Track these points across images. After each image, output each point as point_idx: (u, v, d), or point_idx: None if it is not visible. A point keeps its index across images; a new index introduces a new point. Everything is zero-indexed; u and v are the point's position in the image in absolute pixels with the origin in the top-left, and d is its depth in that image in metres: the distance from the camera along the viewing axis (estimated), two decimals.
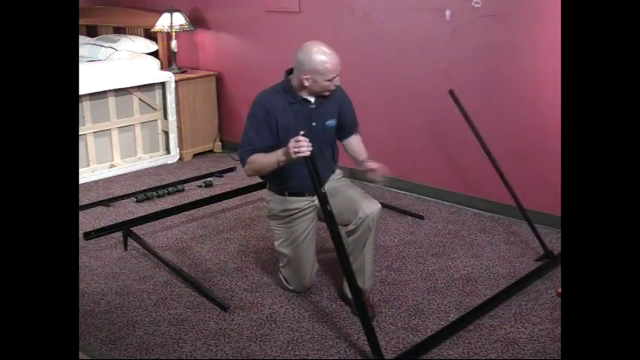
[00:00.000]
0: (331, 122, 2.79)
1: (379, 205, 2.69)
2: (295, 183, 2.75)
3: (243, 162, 2.73)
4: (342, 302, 2.87)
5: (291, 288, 2.94)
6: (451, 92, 3.26)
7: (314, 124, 2.73)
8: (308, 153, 2.42)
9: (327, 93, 2.70)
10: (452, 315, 2.75)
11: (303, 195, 2.78)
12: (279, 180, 2.77)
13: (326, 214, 2.45)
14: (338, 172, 2.92)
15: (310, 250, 2.86)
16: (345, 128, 2.90)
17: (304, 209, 2.79)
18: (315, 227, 2.86)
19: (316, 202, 2.72)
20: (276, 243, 2.88)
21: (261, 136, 2.67)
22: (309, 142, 2.46)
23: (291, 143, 2.43)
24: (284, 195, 2.79)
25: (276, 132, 2.68)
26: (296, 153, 2.42)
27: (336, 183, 2.85)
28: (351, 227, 2.68)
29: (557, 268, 3.11)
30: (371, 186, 4.14)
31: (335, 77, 2.65)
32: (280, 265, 2.95)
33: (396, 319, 2.74)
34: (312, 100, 2.72)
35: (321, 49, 2.63)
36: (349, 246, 2.69)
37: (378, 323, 2.69)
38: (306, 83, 2.64)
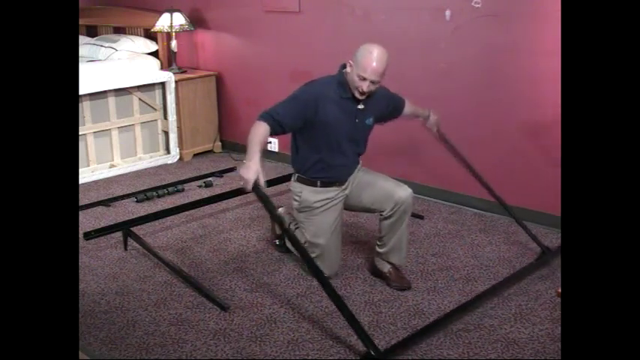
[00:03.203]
0: (370, 120, 2.94)
1: (410, 190, 2.93)
2: (330, 173, 2.92)
3: (258, 120, 2.73)
4: None
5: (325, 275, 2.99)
6: (442, 136, 3.38)
7: (357, 120, 2.88)
8: (249, 190, 2.56)
9: (357, 94, 2.78)
10: (452, 315, 2.74)
11: (333, 185, 2.95)
12: (315, 170, 2.92)
13: (288, 236, 2.67)
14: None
15: (339, 237, 3.07)
16: (397, 109, 3.16)
17: (335, 199, 2.97)
18: (342, 215, 3.06)
19: (346, 191, 2.99)
20: (308, 235, 2.99)
21: (291, 117, 2.77)
22: (350, 137, 2.84)
23: (241, 180, 2.57)
24: (316, 186, 2.93)
25: (313, 121, 2.78)
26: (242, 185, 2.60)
27: (363, 175, 3.03)
28: (387, 213, 2.91)
29: (557, 267, 3.11)
30: None
31: (366, 80, 2.71)
32: (312, 255, 2.96)
33: (396, 319, 2.74)
34: (360, 99, 2.82)
35: (375, 48, 2.72)
36: (383, 229, 2.96)
37: (378, 323, 2.69)
38: (348, 69, 2.78)
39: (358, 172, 3.03)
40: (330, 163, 2.89)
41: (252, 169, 2.52)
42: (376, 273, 3.09)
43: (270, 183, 4.18)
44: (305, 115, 2.77)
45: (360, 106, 2.85)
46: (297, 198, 3.01)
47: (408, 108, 3.23)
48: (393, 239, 2.95)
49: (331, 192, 2.95)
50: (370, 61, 2.68)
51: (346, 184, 2.99)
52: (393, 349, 2.46)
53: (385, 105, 3.04)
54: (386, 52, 2.72)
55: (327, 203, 2.95)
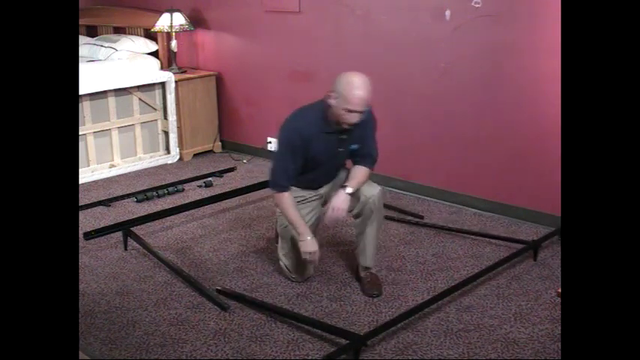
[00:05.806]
0: (354, 146, 2.92)
1: (379, 188, 2.91)
2: (310, 183, 2.98)
3: (278, 186, 2.85)
4: (342, 302, 2.88)
5: (293, 276, 3.04)
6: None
7: (340, 149, 2.88)
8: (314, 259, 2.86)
9: (346, 126, 2.73)
10: (452, 315, 2.75)
11: (310, 189, 3.00)
12: (296, 180, 2.96)
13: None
14: None
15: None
16: (357, 155, 2.95)
17: (308, 198, 3.00)
18: (317, 216, 3.03)
19: (321, 191, 3.02)
20: (281, 228, 3.03)
21: (296, 162, 2.82)
22: (332, 163, 2.91)
23: (306, 256, 2.82)
24: (294, 186, 2.98)
25: (305, 156, 2.83)
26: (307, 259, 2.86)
27: (341, 173, 3.02)
28: (355, 212, 2.91)
29: (557, 267, 3.12)
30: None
31: (353, 112, 2.66)
32: (282, 253, 3.05)
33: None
34: (348, 129, 2.77)
35: (358, 79, 2.64)
36: (355, 228, 3.00)
37: (378, 323, 2.69)
38: (333, 102, 2.69)
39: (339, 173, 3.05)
40: (310, 178, 2.95)
41: (312, 244, 2.81)
42: (357, 278, 3.07)
43: None
44: (301, 156, 2.81)
45: (343, 136, 2.83)
46: None
47: (355, 169, 2.92)
48: (362, 240, 2.94)
49: (306, 193, 3.00)
50: (357, 91, 2.61)
51: (321, 188, 3.04)
52: (374, 333, 2.52)
53: (363, 129, 2.86)
54: (367, 79, 2.66)
55: (300, 201, 2.98)
